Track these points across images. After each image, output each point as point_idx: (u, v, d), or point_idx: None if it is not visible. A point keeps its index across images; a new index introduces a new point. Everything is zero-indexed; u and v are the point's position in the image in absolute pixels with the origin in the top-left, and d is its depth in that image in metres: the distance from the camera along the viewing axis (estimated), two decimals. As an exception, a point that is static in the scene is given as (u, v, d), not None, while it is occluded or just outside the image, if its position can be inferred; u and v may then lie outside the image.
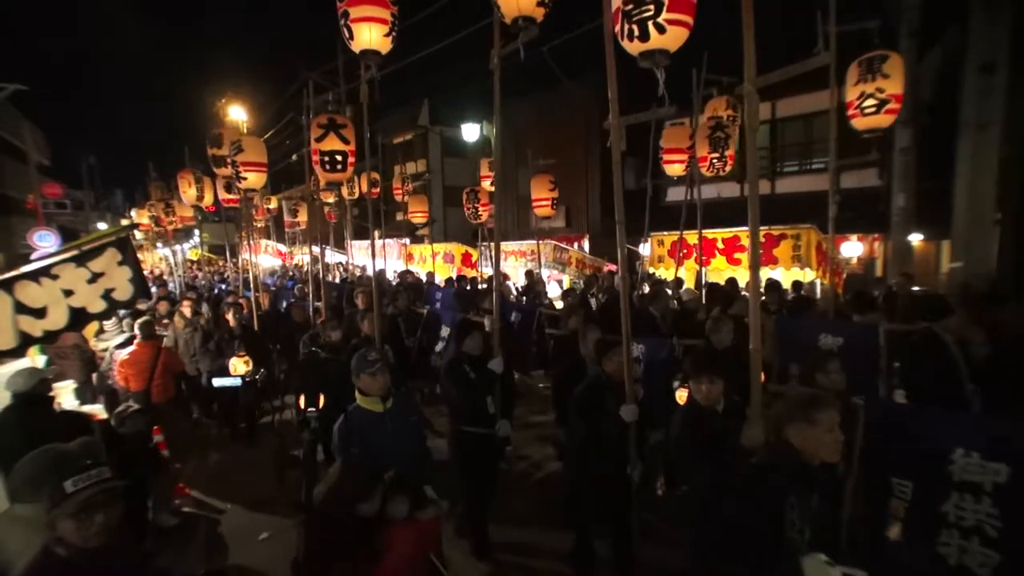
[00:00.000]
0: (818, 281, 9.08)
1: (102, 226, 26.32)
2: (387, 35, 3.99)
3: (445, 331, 5.73)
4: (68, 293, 3.55)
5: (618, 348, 3.17)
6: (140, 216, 16.26)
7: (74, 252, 3.68)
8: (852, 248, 10.26)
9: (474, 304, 7.33)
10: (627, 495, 3.20)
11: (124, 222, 19.92)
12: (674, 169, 7.23)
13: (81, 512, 1.69)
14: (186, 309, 6.92)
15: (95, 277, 3.66)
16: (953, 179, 8.14)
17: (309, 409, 4.93)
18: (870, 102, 5.07)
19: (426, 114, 21.36)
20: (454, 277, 11.49)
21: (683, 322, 5.69)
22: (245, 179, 6.62)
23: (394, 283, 10.04)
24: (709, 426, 2.68)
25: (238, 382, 5.82)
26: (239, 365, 5.89)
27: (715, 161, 6.52)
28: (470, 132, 15.48)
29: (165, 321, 6.95)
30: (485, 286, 9.38)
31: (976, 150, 7.92)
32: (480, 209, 9.09)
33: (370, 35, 3.91)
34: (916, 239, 9.31)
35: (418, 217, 10.79)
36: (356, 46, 4.00)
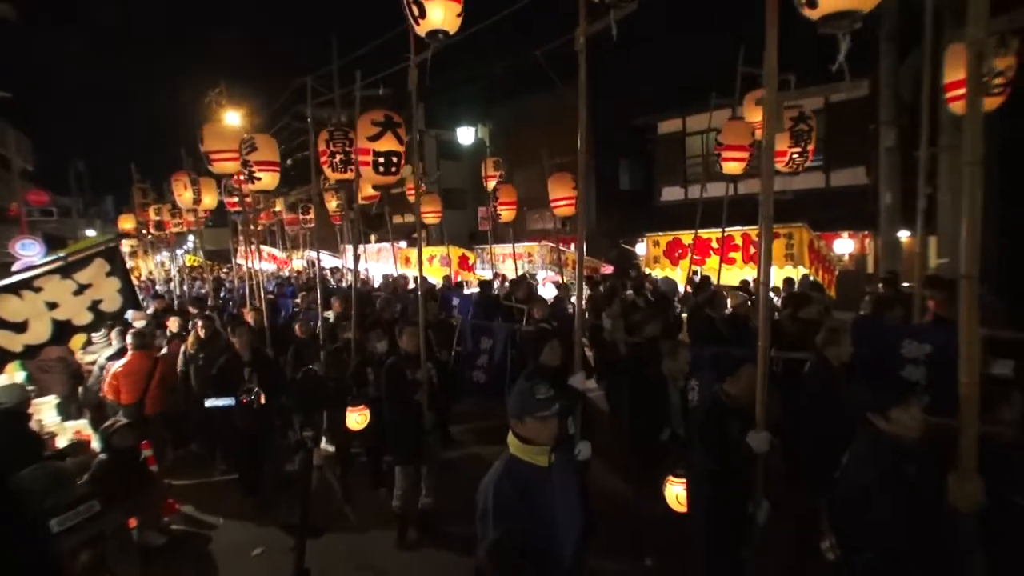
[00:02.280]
0: (811, 279, 9.34)
1: (91, 233, 25.75)
2: (459, 15, 3.74)
3: (486, 343, 5.20)
4: (52, 306, 3.41)
5: (748, 366, 2.70)
6: (124, 222, 15.39)
7: (59, 264, 3.56)
8: (843, 245, 10.60)
9: (499, 312, 6.81)
10: (748, 540, 2.73)
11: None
12: (732, 167, 6.57)
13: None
14: (201, 330, 5.91)
15: (82, 289, 3.53)
16: (937, 177, 8.53)
17: (305, 431, 4.73)
18: (999, 80, 4.09)
19: (422, 117, 21.35)
20: (474, 282, 10.73)
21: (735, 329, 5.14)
22: (259, 179, 6.18)
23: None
24: (905, 470, 2.09)
25: (231, 402, 4.85)
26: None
27: (795, 156, 5.84)
28: (465, 135, 15.55)
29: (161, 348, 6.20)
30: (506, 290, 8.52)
31: (956, 148, 8.33)
32: (501, 209, 8.60)
33: (443, 14, 3.65)
34: (904, 236, 9.65)
35: (431, 217, 10.04)
36: (424, 26, 3.70)
